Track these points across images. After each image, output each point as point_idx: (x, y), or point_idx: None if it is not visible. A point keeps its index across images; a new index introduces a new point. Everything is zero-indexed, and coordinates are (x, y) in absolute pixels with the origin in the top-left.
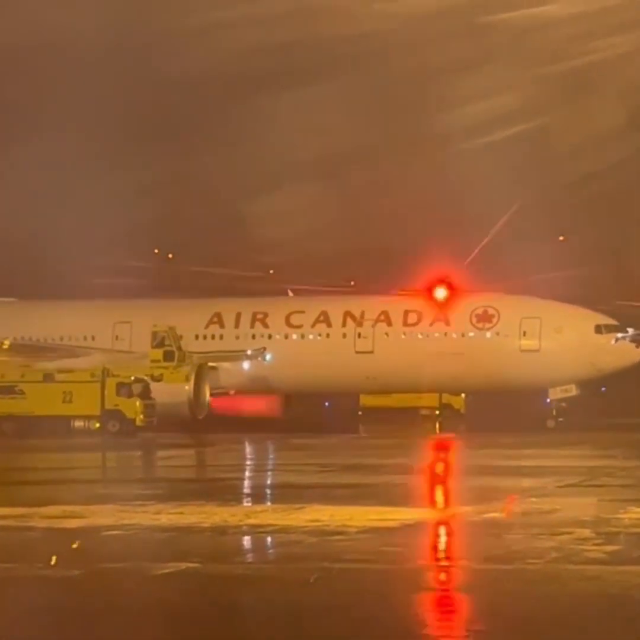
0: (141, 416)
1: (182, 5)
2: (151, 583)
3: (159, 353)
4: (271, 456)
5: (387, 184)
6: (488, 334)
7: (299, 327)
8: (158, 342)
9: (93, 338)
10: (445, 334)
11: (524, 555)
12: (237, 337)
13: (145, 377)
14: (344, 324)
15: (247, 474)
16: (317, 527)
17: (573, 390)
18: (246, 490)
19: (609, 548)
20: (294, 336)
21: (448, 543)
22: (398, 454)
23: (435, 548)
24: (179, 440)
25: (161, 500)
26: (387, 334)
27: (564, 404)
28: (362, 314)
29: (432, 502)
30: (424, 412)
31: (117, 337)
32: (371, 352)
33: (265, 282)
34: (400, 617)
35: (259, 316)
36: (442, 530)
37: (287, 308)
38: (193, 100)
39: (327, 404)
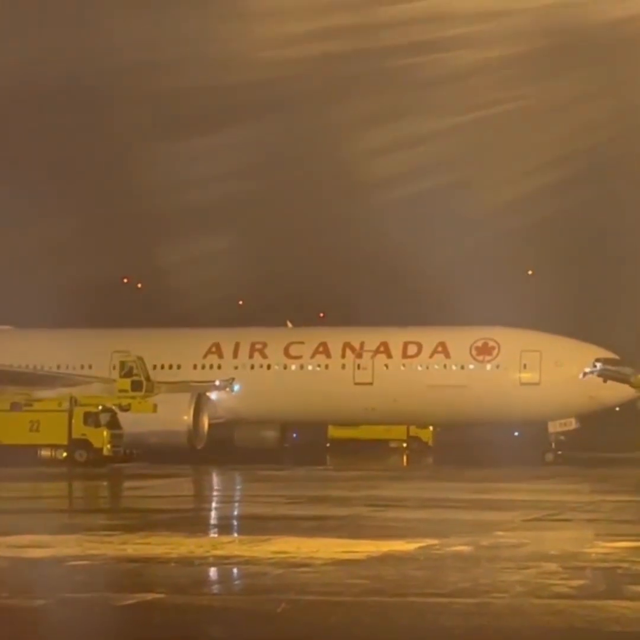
0: (108, 446)
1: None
2: (116, 613)
3: (126, 383)
4: (238, 487)
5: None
6: (488, 367)
7: (298, 357)
8: (126, 371)
9: (90, 367)
10: (445, 366)
11: (490, 588)
12: (236, 367)
13: (113, 407)
14: (343, 355)
15: (214, 505)
16: (283, 558)
17: (573, 424)
18: (213, 522)
19: (576, 582)
20: (293, 367)
21: (414, 576)
22: (364, 486)
23: (401, 581)
24: (149, 471)
25: (127, 530)
26: (386, 365)
27: (562, 438)
28: (362, 345)
29: (399, 535)
30: (392, 444)
31: (114, 367)
32: (370, 383)
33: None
34: None
35: (258, 346)
36: (409, 564)
37: (286, 338)
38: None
39: (295, 435)
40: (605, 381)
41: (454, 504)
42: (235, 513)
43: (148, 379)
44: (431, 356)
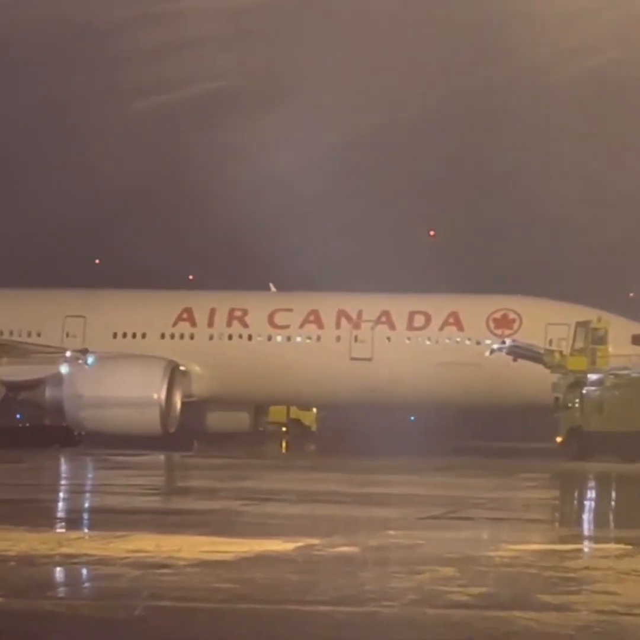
0: None
1: None
2: None
3: None
4: (90, 476)
5: None
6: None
7: (285, 327)
8: None
9: (39, 334)
10: (458, 340)
11: (378, 596)
12: (211, 337)
13: None
14: (337, 326)
15: (62, 495)
16: (140, 558)
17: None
18: (60, 514)
19: (476, 590)
20: (279, 338)
21: (291, 581)
22: (235, 476)
23: (275, 586)
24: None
25: None
26: (388, 338)
27: None
28: (360, 313)
29: (274, 533)
30: (269, 428)
31: (68, 334)
32: (369, 359)
33: None
34: None
35: (237, 313)
36: (285, 566)
37: (270, 305)
38: None
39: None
40: (515, 360)
41: (338, 498)
42: (87, 505)
43: None
44: (441, 329)
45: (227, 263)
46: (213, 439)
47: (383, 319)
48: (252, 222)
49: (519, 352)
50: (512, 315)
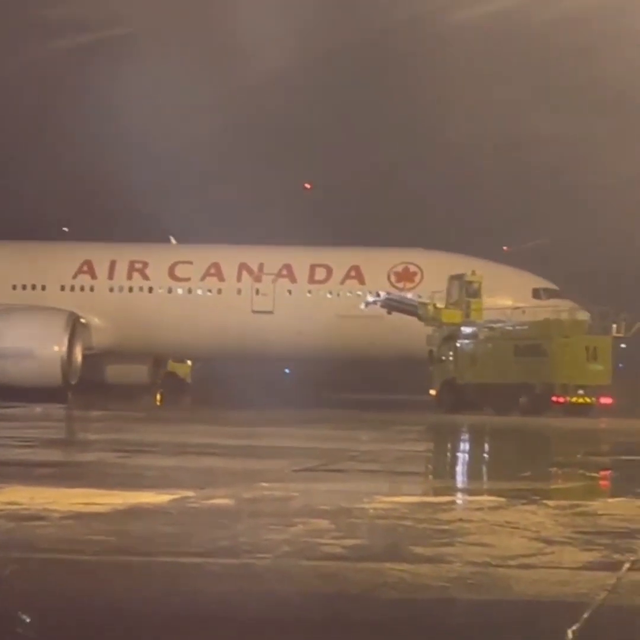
0: None
1: None
2: None
3: None
4: None
5: None
6: (409, 296)
7: (186, 280)
8: None
9: None
10: (359, 294)
11: (252, 548)
12: (111, 290)
13: None
14: (239, 279)
15: None
16: (14, 511)
17: None
18: None
19: (349, 542)
20: (179, 291)
21: (166, 533)
22: (110, 428)
23: (150, 538)
24: None
25: None
26: (290, 291)
27: None
28: (261, 267)
29: (149, 485)
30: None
31: None
32: (271, 312)
33: None
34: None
35: (138, 265)
36: (160, 518)
37: (171, 257)
38: None
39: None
40: (389, 313)
41: (213, 450)
42: None
43: None
44: (343, 282)
45: (112, 215)
46: (94, 392)
47: (284, 272)
48: (129, 169)
49: (393, 305)
50: (413, 269)
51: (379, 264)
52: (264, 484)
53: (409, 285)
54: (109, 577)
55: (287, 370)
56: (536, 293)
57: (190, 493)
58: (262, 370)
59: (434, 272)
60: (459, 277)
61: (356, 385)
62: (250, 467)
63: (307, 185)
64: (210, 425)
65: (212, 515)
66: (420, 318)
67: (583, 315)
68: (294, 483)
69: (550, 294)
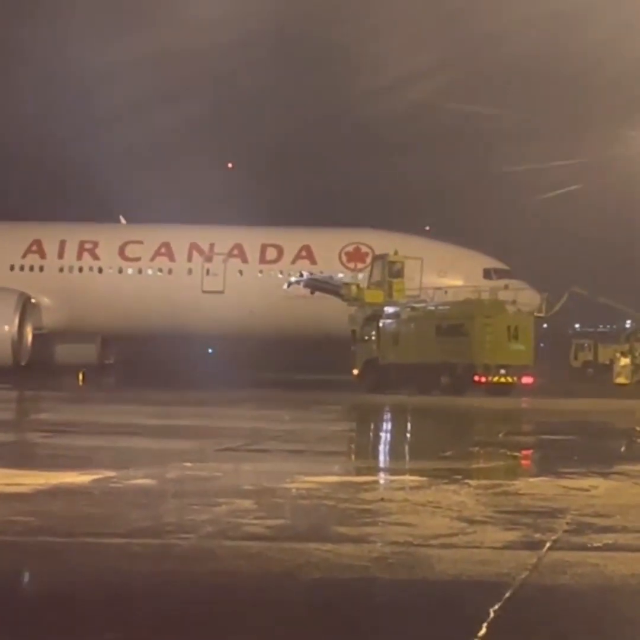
0: None
1: None
2: None
3: None
4: None
5: None
6: (360, 276)
7: (136, 260)
8: None
9: None
10: (311, 274)
11: (175, 528)
12: (61, 270)
13: None
14: (189, 259)
15: None
16: None
17: None
18: None
19: (272, 522)
20: (130, 270)
21: (88, 513)
22: (30, 408)
23: (73, 519)
24: None
25: None
26: (240, 271)
27: None
28: (212, 247)
29: (71, 465)
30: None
31: None
32: (221, 291)
33: None
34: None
35: (88, 245)
36: (82, 498)
37: (121, 237)
38: None
39: None
40: (312, 293)
41: (135, 430)
42: None
43: None
44: (294, 262)
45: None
46: (43, 372)
47: (235, 251)
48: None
49: (316, 285)
50: (364, 249)
51: (330, 244)
52: (187, 464)
53: (360, 265)
54: (31, 558)
55: (210, 351)
56: (487, 273)
57: (112, 473)
58: (188, 350)
59: (384, 252)
60: (381, 257)
61: (280, 365)
62: (173, 447)
63: (230, 165)
64: (133, 405)
65: (135, 496)
66: (343, 298)
67: (534, 295)
68: (217, 463)
69: (501, 274)
